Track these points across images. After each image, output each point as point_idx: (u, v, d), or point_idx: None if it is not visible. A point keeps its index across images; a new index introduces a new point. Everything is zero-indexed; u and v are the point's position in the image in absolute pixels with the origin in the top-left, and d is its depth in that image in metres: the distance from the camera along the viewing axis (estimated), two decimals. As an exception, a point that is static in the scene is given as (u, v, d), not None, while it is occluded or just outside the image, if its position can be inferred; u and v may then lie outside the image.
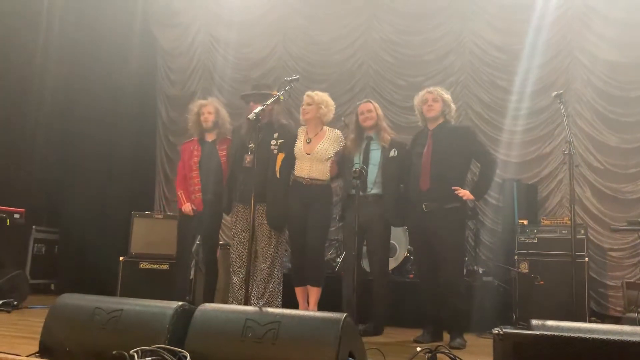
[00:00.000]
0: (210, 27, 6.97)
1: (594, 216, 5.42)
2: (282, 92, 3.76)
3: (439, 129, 4.00)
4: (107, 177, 6.31)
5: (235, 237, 4.22)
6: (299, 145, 4.17)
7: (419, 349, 3.12)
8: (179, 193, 4.58)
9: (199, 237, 4.71)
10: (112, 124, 6.43)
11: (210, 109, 4.54)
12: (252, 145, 4.11)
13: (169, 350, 2.33)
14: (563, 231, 4.64)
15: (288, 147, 4.17)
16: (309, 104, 4.17)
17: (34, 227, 6.07)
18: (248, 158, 4.14)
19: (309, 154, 4.11)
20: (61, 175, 6.47)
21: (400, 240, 5.08)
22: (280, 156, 4.13)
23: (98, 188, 6.25)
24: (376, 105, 4.32)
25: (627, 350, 1.82)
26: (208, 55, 6.97)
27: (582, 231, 4.65)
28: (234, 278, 4.16)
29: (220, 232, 5.36)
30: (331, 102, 4.23)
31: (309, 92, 4.25)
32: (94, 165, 6.32)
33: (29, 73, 6.33)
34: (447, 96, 4.04)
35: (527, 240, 4.77)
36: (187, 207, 4.45)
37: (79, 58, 6.61)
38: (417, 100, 4.12)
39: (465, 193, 3.84)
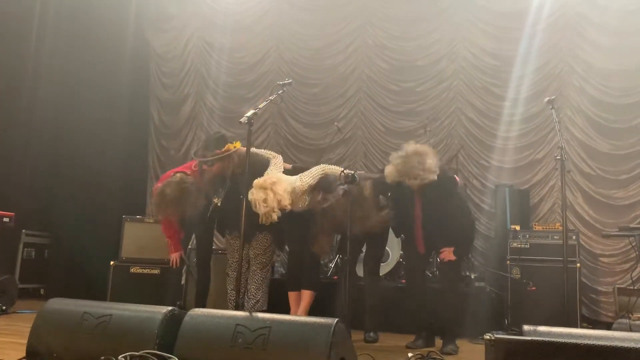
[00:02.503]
0: (204, 31, 6.95)
1: (586, 222, 5.44)
2: (274, 96, 3.73)
3: (424, 188, 3.77)
4: (99, 181, 6.25)
5: (230, 247, 4.20)
6: None
7: (410, 354, 3.12)
8: (168, 240, 4.43)
9: (191, 241, 4.67)
10: (104, 127, 6.38)
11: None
12: (216, 200, 4.10)
13: (158, 356, 2.31)
14: (555, 237, 4.65)
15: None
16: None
17: (23, 231, 6.00)
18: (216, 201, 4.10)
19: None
20: (52, 178, 6.41)
21: (392, 245, 5.07)
22: None
23: (89, 192, 6.19)
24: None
25: (618, 357, 1.81)
26: (201, 59, 6.95)
27: (574, 237, 4.66)
28: (230, 277, 4.13)
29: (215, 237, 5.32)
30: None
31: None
32: (86, 168, 6.26)
33: (21, 77, 6.29)
34: (429, 165, 3.63)
35: (520, 245, 4.77)
36: (175, 256, 4.40)
37: (71, 61, 6.57)
38: (400, 166, 3.69)
39: (447, 255, 3.83)
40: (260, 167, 3.88)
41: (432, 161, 3.65)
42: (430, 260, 4.80)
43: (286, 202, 3.58)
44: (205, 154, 4.10)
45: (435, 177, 3.66)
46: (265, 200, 3.51)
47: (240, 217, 3.31)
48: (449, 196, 3.87)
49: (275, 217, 3.54)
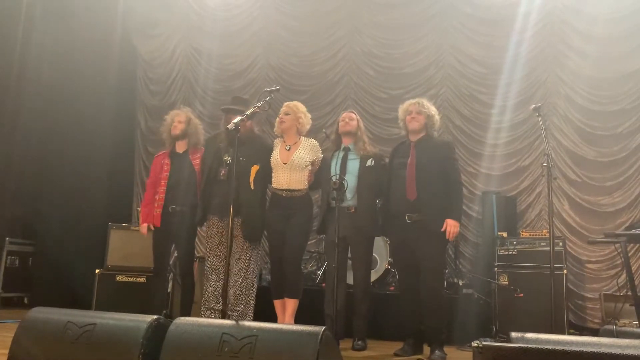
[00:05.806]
0: (192, 37, 6.93)
1: (572, 228, 5.48)
2: (261, 103, 3.72)
3: (421, 141, 3.99)
4: (84, 188, 6.18)
5: (210, 250, 4.15)
6: (275, 155, 4.13)
7: (398, 362, 3.10)
8: (141, 210, 4.53)
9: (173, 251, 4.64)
10: (90, 134, 6.31)
11: (181, 117, 4.50)
12: (227, 158, 4.08)
13: (142, 366, 2.27)
14: (542, 243, 4.67)
15: (261, 158, 4.13)
16: (287, 114, 4.17)
17: (7, 238, 5.91)
18: (223, 171, 4.09)
19: (285, 163, 4.08)
20: (37, 185, 6.32)
21: (381, 252, 5.06)
22: (255, 168, 4.07)
23: (74, 199, 6.12)
24: (358, 117, 4.35)
25: (606, 363, 1.81)
26: (188, 66, 6.92)
27: (561, 243, 4.69)
28: (210, 290, 4.09)
29: (197, 244, 5.27)
30: (308, 114, 4.27)
31: (287, 103, 4.27)
32: (71, 175, 6.19)
33: (6, 82, 6.21)
34: (432, 109, 4.03)
35: (507, 252, 4.79)
36: (142, 229, 4.38)
37: (57, 67, 6.50)
38: (401, 110, 4.10)
39: (451, 227, 3.78)
40: (265, 150, 4.18)
41: (434, 111, 4.08)
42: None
43: (305, 126, 4.20)
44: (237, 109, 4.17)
45: (436, 122, 4.06)
46: (287, 113, 4.16)
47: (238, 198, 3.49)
48: (445, 158, 3.94)
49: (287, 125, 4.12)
